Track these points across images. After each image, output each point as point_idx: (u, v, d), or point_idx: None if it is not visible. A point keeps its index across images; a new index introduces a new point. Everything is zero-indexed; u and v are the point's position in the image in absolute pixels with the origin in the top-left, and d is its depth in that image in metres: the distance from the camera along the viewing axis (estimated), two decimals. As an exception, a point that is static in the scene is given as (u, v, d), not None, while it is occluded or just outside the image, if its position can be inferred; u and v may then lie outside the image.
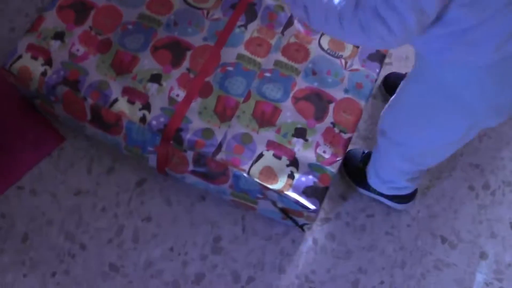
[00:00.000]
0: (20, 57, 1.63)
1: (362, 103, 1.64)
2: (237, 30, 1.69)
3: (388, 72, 1.94)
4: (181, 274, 1.69)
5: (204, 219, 1.75)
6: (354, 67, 1.68)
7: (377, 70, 1.69)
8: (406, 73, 1.85)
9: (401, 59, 2.00)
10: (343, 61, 1.68)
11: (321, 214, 1.76)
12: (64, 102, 1.61)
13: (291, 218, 1.62)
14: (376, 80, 1.69)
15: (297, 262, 1.71)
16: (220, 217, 1.75)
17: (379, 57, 1.71)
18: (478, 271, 1.73)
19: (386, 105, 1.46)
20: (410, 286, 1.70)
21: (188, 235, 1.73)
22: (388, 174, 1.65)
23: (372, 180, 1.71)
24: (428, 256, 1.75)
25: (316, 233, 1.75)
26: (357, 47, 1.71)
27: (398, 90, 1.38)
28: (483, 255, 1.75)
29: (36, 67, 1.61)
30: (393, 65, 1.99)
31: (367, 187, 1.75)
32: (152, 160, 1.64)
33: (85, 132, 1.76)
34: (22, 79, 1.62)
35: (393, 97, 1.42)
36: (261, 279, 1.69)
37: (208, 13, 1.71)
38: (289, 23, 1.72)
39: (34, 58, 1.62)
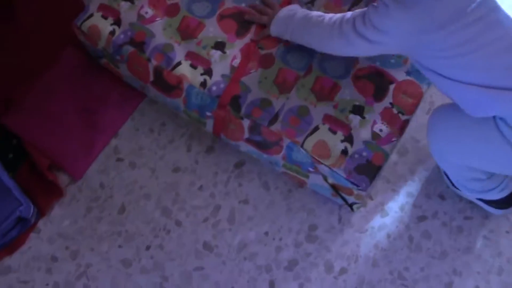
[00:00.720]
0: (91, 15, 1.68)
1: (424, 86, 1.61)
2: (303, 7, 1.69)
3: None
4: (274, 259, 1.69)
5: (301, 206, 1.74)
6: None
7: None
8: None
9: None
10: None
11: (419, 212, 1.74)
12: (129, 62, 1.65)
13: (341, 196, 1.61)
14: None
15: (391, 258, 1.69)
16: (317, 205, 1.74)
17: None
18: None
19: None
20: (506, 295, 1.67)
21: (284, 221, 1.72)
22: (454, 177, 1.64)
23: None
24: None
25: (412, 230, 1.72)
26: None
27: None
28: None
29: (106, 26, 1.66)
30: None
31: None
32: (209, 126, 1.66)
33: (149, 94, 1.80)
34: (91, 37, 1.67)
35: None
36: (354, 271, 1.68)
37: (277, -12, 1.72)
38: (358, 0, 1.71)
39: (104, 17, 1.67)
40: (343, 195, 1.60)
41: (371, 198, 1.74)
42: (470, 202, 1.73)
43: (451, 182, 1.71)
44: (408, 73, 1.61)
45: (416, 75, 1.61)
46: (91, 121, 1.80)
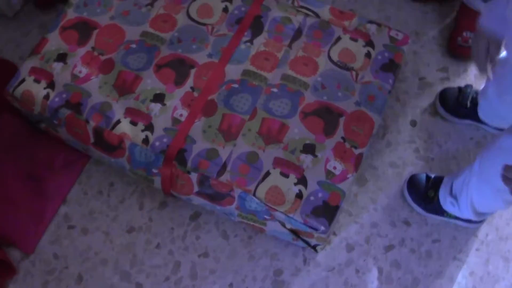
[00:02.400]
0: (23, 80, 1.60)
1: (375, 116, 1.55)
2: (242, 46, 1.63)
3: (444, 87, 1.84)
4: (244, 311, 1.63)
5: (263, 252, 1.67)
6: (366, 79, 1.60)
7: (391, 81, 1.61)
8: (459, 88, 1.79)
9: (459, 73, 1.91)
10: (354, 73, 1.60)
11: (385, 242, 1.68)
12: (67, 125, 1.57)
13: (302, 239, 1.54)
14: (390, 92, 1.60)
15: None
16: (280, 249, 1.67)
17: (393, 67, 1.63)
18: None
19: None
20: (484, 316, 1.62)
21: (247, 270, 1.65)
22: (492, 207, 1.57)
23: (453, 209, 1.62)
24: (501, 282, 1.65)
25: (380, 261, 1.66)
26: (369, 57, 1.63)
27: None
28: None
29: (39, 91, 1.58)
30: (451, 80, 1.90)
31: (441, 212, 1.67)
32: (158, 183, 1.59)
33: (93, 156, 1.72)
34: (25, 103, 1.60)
35: None
36: (327, 313, 1.62)
37: (212, 29, 1.66)
38: (297, 35, 1.65)
39: (37, 81, 1.60)
40: (305, 238, 1.54)
41: (335, 234, 1.68)
42: (436, 224, 1.69)
43: (425, 208, 1.68)
44: (357, 104, 1.56)
45: (366, 105, 1.56)
46: (38, 190, 1.72)
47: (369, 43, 1.66)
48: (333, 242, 1.68)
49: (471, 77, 1.91)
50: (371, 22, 1.69)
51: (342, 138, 1.52)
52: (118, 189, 1.75)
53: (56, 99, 1.57)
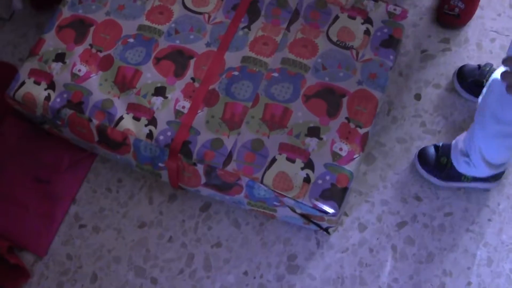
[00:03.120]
0: (23, 83, 1.60)
1: (378, 94, 1.54)
2: (240, 32, 1.62)
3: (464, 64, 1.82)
4: (260, 298, 1.63)
5: (276, 238, 1.67)
6: (366, 57, 1.58)
7: (391, 57, 1.59)
8: (479, 65, 1.76)
9: (460, 43, 1.89)
10: (354, 52, 1.58)
11: (397, 219, 1.68)
12: (70, 125, 1.57)
13: (314, 223, 1.54)
14: (391, 68, 1.58)
15: (378, 272, 1.63)
16: (292, 234, 1.67)
17: (393, 43, 1.61)
18: None
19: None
20: (500, 285, 1.61)
21: (261, 256, 1.65)
22: (501, 156, 1.55)
23: (469, 169, 1.61)
24: None
25: (394, 239, 1.66)
26: (368, 35, 1.61)
27: None
28: None
29: (40, 92, 1.58)
30: (452, 50, 1.87)
31: (458, 177, 1.66)
32: (165, 176, 1.59)
33: (99, 153, 1.72)
34: (27, 106, 1.59)
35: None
36: (344, 294, 1.63)
37: (209, 18, 1.64)
38: (294, 17, 1.64)
39: (37, 83, 1.59)
40: (316, 221, 1.54)
41: (346, 214, 1.67)
42: (447, 197, 1.69)
43: (440, 177, 1.67)
44: (359, 82, 1.54)
45: (368, 83, 1.54)
46: (46, 192, 1.72)
47: (368, 20, 1.63)
48: (345, 223, 1.67)
49: (473, 46, 1.88)
50: (367, -3, 1.67)
51: (346, 118, 1.51)
52: (127, 185, 1.75)
53: (58, 100, 1.57)
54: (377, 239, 1.67)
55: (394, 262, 1.64)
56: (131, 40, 1.63)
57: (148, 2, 1.68)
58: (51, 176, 1.74)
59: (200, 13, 1.65)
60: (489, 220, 1.68)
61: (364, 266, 1.64)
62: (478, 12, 1.91)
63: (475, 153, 1.54)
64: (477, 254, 1.64)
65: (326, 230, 1.59)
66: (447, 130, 1.78)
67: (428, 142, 1.76)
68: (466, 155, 1.59)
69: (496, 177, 1.66)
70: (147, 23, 1.65)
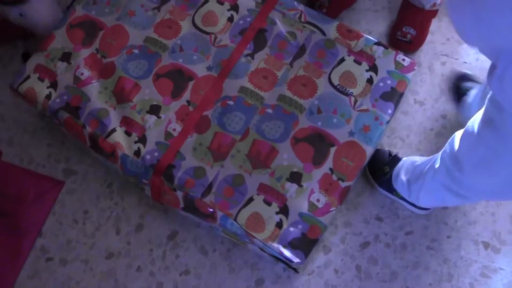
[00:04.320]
0: (28, 77, 1.64)
1: (368, 148, 1.53)
2: (243, 59, 1.61)
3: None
4: (229, 324, 1.68)
5: (243, 263, 1.70)
6: (364, 107, 1.56)
7: (390, 111, 1.57)
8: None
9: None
10: (352, 99, 1.57)
11: (360, 239, 1.72)
12: (65, 126, 1.61)
13: (282, 262, 1.57)
14: (388, 122, 1.57)
15: None
16: (259, 258, 1.70)
17: (395, 96, 1.58)
18: (526, 272, 1.67)
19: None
20: (461, 299, 1.67)
21: (229, 282, 1.69)
22: (428, 202, 1.61)
23: (402, 190, 1.64)
24: (473, 265, 1.69)
25: (358, 259, 1.70)
26: (371, 83, 1.59)
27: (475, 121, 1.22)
28: (528, 255, 1.72)
29: (42, 90, 1.62)
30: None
31: (390, 189, 1.70)
32: (148, 191, 1.63)
33: (91, 155, 1.76)
34: (28, 100, 1.64)
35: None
36: (311, 316, 1.68)
37: (215, 39, 1.64)
38: (300, 52, 1.62)
39: (41, 79, 1.63)
40: (284, 261, 1.57)
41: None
42: (408, 216, 1.73)
43: (377, 180, 1.72)
44: (351, 133, 1.53)
45: (360, 135, 1.53)
46: (12, 225, 1.72)
47: (373, 68, 1.60)
48: None
49: (426, 70, 1.92)
50: (378, 44, 1.63)
51: (330, 169, 1.51)
52: (93, 216, 1.77)
53: (57, 100, 1.61)
54: (342, 260, 1.70)
55: (359, 281, 1.68)
56: (136, 51, 1.64)
57: (159, 14, 1.68)
58: (16, 208, 1.74)
59: (207, 33, 1.65)
60: (448, 237, 1.72)
61: (330, 287, 1.68)
62: (429, 37, 1.96)
63: (416, 188, 1.56)
64: (438, 270, 1.69)
65: (294, 269, 1.62)
66: (404, 151, 1.81)
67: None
68: (408, 181, 1.59)
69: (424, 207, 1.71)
70: (155, 35, 1.65)
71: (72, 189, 1.81)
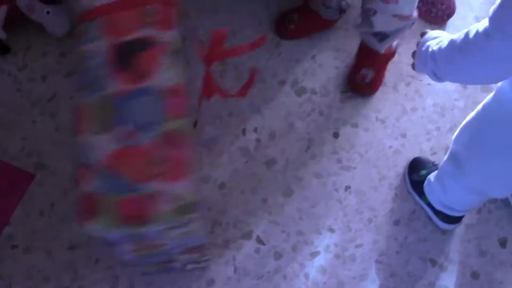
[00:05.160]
0: None
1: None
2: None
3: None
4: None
5: None
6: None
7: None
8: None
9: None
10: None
11: (311, 248, 1.78)
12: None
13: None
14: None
15: None
16: (211, 259, 1.75)
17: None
18: (471, 292, 1.68)
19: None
20: (404, 313, 1.69)
21: (181, 282, 1.74)
22: (452, 202, 1.66)
23: (430, 193, 1.71)
24: (419, 281, 1.72)
25: (306, 267, 1.76)
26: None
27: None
28: (474, 275, 1.73)
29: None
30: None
31: (420, 193, 1.76)
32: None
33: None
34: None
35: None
36: (258, 320, 1.74)
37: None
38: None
39: None
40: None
41: (263, 243, 1.76)
42: (360, 230, 1.77)
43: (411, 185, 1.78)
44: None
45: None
46: None
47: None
48: (263, 251, 1.78)
49: (390, 89, 1.98)
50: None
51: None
52: (60, 210, 1.85)
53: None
54: (291, 267, 1.75)
55: (306, 289, 1.74)
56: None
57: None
58: (-14, 197, 1.82)
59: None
60: (397, 252, 1.75)
61: (277, 293, 1.74)
62: (396, 57, 1.96)
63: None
64: (384, 284, 1.72)
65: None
66: (361, 167, 1.86)
67: (344, 177, 1.85)
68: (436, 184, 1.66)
69: (449, 219, 1.71)
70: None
71: (41, 182, 1.90)
